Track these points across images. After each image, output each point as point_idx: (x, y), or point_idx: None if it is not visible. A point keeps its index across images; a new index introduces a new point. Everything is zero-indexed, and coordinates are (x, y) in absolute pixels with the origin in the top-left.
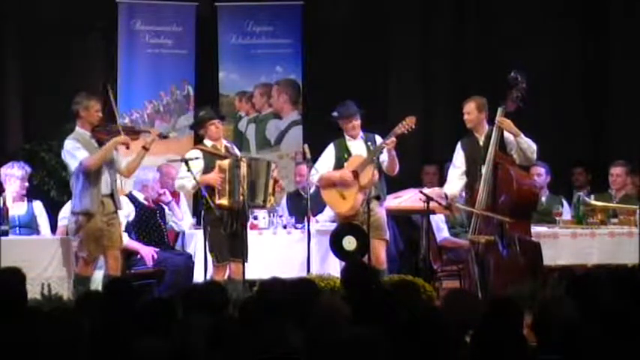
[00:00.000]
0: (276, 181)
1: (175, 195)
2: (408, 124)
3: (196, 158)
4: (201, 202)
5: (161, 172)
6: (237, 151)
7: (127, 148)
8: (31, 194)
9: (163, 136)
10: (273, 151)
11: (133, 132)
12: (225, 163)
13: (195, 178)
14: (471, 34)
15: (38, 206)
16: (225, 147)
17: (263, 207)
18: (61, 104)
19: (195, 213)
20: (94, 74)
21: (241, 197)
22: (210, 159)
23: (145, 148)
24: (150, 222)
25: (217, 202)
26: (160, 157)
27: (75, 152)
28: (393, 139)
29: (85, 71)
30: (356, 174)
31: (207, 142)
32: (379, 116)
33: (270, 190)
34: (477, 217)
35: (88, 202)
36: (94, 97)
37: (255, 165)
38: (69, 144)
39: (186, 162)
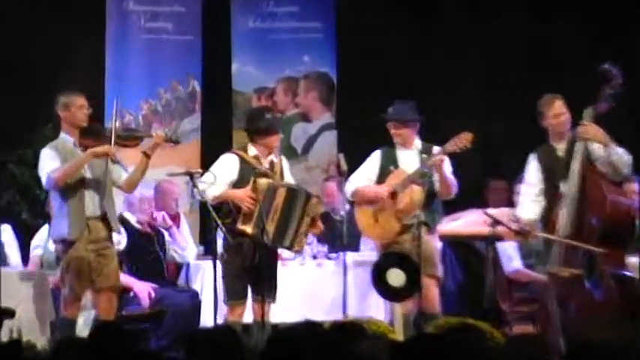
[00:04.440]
0: (313, 221)
1: (176, 218)
2: (462, 141)
3: (225, 170)
4: (215, 221)
5: (160, 189)
6: (286, 172)
7: (112, 161)
8: None
9: (171, 140)
10: (300, 162)
11: (132, 137)
12: (264, 183)
13: (223, 187)
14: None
15: (7, 231)
16: (271, 162)
17: (289, 249)
18: (34, 104)
19: (203, 240)
20: (77, 67)
21: (270, 231)
22: (248, 171)
23: (146, 155)
24: (145, 251)
25: (239, 226)
26: (158, 169)
27: (46, 163)
28: (442, 157)
29: (65, 63)
30: (394, 194)
31: (251, 150)
32: (429, 118)
33: (304, 229)
34: (559, 245)
35: (65, 227)
36: (76, 91)
37: (292, 196)
38: (43, 153)
39: (192, 176)
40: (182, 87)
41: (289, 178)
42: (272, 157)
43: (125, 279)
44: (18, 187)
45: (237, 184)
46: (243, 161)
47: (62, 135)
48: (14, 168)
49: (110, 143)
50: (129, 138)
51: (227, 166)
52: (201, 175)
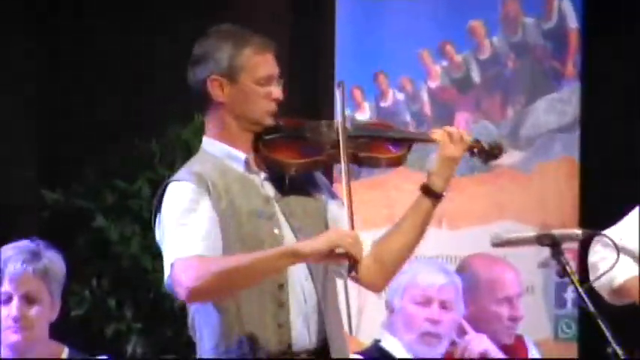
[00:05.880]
0: None
1: (518, 351)
2: None
3: None
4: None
5: (475, 279)
6: None
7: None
8: (83, 339)
9: (484, 151)
10: None
11: (377, 143)
12: None
13: None
14: None
15: None
16: None
17: None
18: (158, 92)
19: None
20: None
21: None
22: None
23: (430, 191)
24: None
25: None
26: (471, 228)
27: (177, 232)
28: None
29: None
30: None
31: None
32: None
33: None
34: None
35: None
36: (258, 37)
37: None
38: (173, 200)
39: (558, 247)
40: (535, 18)
41: None
42: None
43: None
44: (121, 270)
45: None
46: None
47: (209, 143)
48: (111, 227)
49: (336, 162)
50: (373, 146)
51: None
52: (584, 239)
